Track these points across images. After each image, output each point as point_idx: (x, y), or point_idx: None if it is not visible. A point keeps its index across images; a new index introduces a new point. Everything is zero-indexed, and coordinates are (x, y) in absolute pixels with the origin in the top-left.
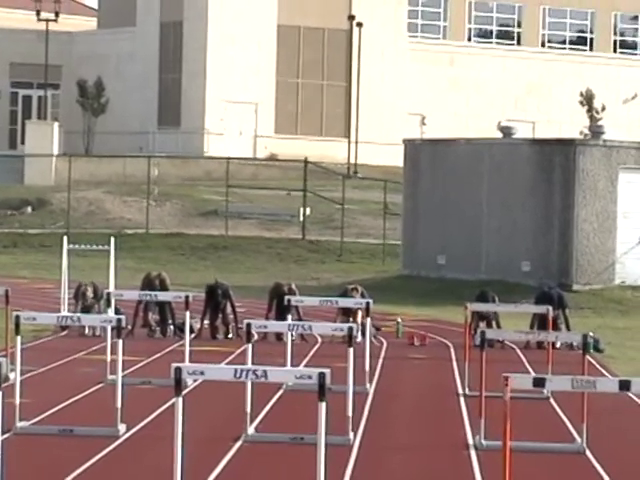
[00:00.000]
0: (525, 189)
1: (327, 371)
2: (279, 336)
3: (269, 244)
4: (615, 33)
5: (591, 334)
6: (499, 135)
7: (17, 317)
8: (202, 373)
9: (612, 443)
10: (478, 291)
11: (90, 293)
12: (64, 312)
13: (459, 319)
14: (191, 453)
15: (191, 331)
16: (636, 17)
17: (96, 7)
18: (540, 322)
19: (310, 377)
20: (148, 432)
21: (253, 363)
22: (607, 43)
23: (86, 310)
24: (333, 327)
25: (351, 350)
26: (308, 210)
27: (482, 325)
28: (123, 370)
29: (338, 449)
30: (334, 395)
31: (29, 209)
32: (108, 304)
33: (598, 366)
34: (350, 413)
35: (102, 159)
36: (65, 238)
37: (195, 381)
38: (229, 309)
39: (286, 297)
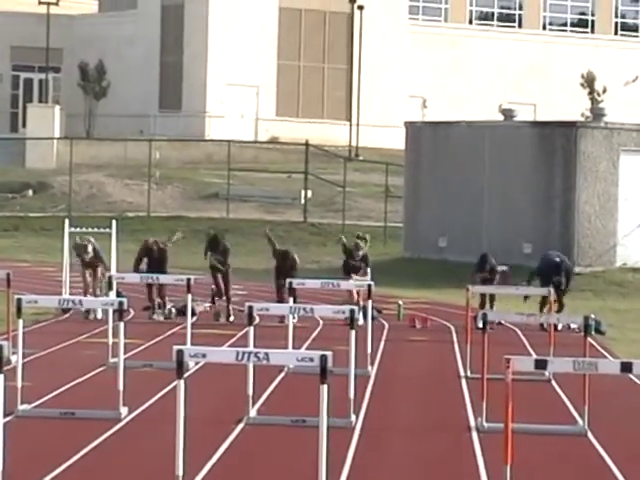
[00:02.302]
0: (526, 171)
1: (329, 354)
2: (282, 319)
3: (270, 227)
4: (616, 15)
5: (592, 316)
6: (500, 117)
7: (19, 300)
8: (204, 356)
9: (614, 425)
10: (478, 257)
11: (90, 249)
12: (66, 295)
13: (461, 301)
14: (193, 435)
15: (192, 314)
16: (637, 1)
17: None
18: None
19: (312, 360)
20: (150, 415)
21: (255, 346)
22: (608, 25)
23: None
24: (335, 309)
25: (353, 332)
26: (309, 193)
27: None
28: (125, 353)
29: (340, 431)
30: (336, 377)
31: (30, 192)
32: (110, 287)
33: (599, 348)
34: (352, 395)
35: (103, 142)
36: (67, 221)
37: (197, 364)
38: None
39: (287, 280)
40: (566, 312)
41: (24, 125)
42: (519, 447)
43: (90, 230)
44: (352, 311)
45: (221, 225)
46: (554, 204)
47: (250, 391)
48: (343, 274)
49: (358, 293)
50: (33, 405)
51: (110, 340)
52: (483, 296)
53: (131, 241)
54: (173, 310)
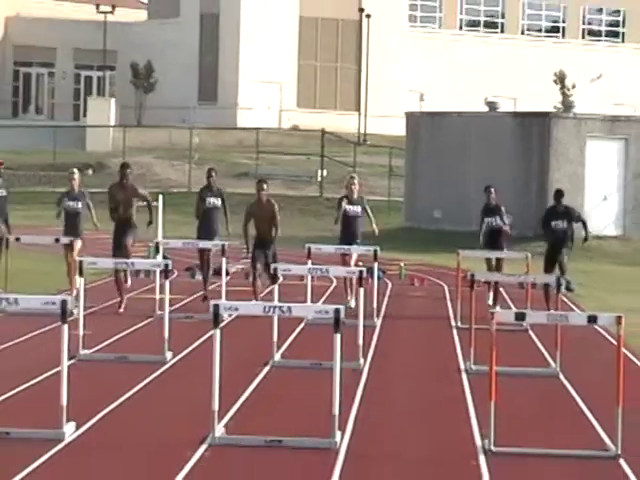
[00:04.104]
0: (507, 155)
1: (341, 307)
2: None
3: (291, 201)
4: (584, 23)
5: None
6: (486, 109)
7: (81, 262)
8: (236, 309)
9: (581, 368)
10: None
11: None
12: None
13: (453, 264)
14: (227, 376)
15: (227, 274)
16: (601, 9)
17: (146, 1)
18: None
19: (327, 312)
20: (190, 358)
21: (279, 301)
22: (576, 31)
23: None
24: (347, 270)
25: (362, 290)
26: (325, 172)
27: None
28: (170, 306)
29: (351, 373)
30: (347, 328)
31: (90, 171)
32: (157, 251)
33: (569, 303)
34: (360, 342)
35: (151, 129)
36: (160, 197)
37: (230, 316)
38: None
39: (306, 245)
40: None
41: (85, 115)
42: (502, 386)
43: (140, 204)
44: (361, 272)
45: (250, 200)
46: (531, 182)
47: (275, 339)
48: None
49: (356, 263)
50: (92, 350)
51: (157, 296)
52: (489, 260)
53: (174, 213)
54: (210, 271)
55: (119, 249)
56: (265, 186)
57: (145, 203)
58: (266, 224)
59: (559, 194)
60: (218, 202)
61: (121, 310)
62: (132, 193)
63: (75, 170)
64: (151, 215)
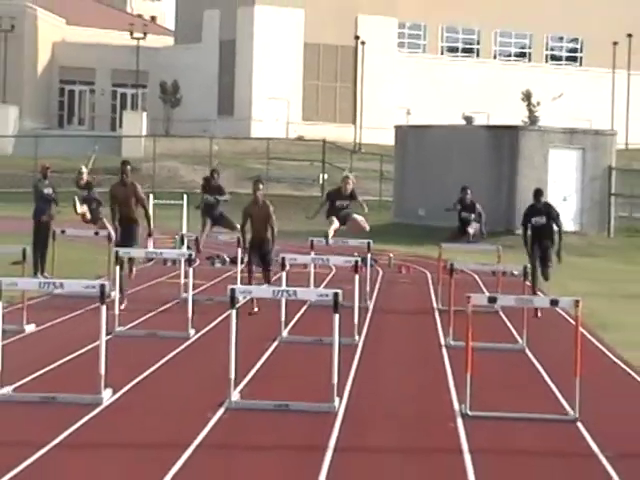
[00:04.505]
0: (481, 162)
1: (339, 291)
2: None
3: (296, 201)
4: (547, 49)
5: (529, 265)
6: (463, 122)
7: (116, 252)
8: (250, 292)
9: (544, 344)
10: (460, 187)
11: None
12: (150, 248)
13: (435, 255)
14: (242, 349)
15: (241, 262)
16: (562, 37)
17: (173, 29)
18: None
19: (327, 295)
20: (211, 335)
21: (286, 286)
22: (541, 56)
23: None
24: (344, 259)
25: (357, 276)
26: (326, 176)
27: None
28: (193, 290)
29: (347, 347)
30: (344, 309)
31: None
32: (182, 242)
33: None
34: (356, 321)
35: (177, 139)
36: (151, 195)
37: (244, 298)
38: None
39: (309, 238)
40: (510, 261)
41: (120, 126)
42: (476, 359)
43: (168, 202)
44: (356, 261)
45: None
46: (502, 186)
47: (283, 318)
48: (326, 202)
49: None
50: (126, 327)
51: (182, 281)
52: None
53: (196, 210)
54: (227, 259)
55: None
56: (261, 186)
57: (142, 209)
58: (262, 224)
59: (539, 193)
60: (214, 198)
61: (122, 307)
62: (132, 191)
63: (83, 167)
64: (150, 224)
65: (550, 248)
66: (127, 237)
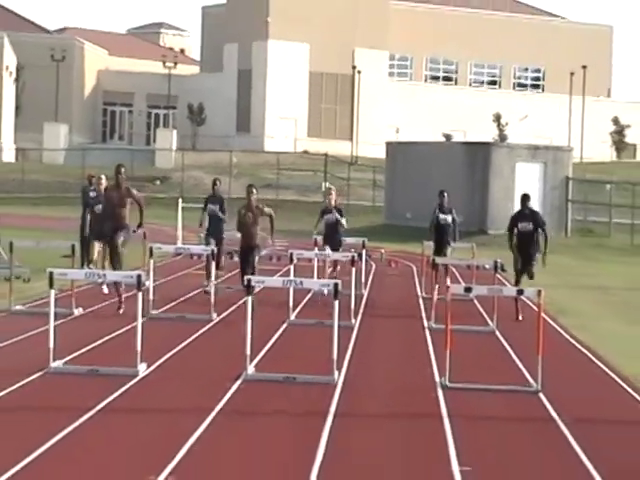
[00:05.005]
0: (458, 173)
1: (339, 281)
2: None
3: (302, 205)
4: (514, 78)
5: (498, 260)
6: (443, 139)
7: (151, 247)
8: (263, 282)
9: (511, 327)
10: (439, 191)
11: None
12: (179, 244)
13: (419, 251)
14: (256, 329)
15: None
16: (527, 68)
17: (199, 59)
18: (525, 261)
19: (329, 285)
20: (230, 317)
21: (294, 276)
22: (509, 83)
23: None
24: (343, 255)
25: (354, 269)
26: (327, 184)
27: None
28: (215, 280)
29: (345, 329)
30: (343, 297)
31: (158, 182)
32: (207, 240)
33: (503, 280)
34: (352, 307)
35: (202, 152)
36: (180, 200)
37: (258, 287)
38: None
39: (313, 237)
40: (482, 257)
41: (154, 141)
42: (454, 339)
43: (194, 205)
44: (353, 256)
45: (272, 203)
46: (475, 193)
47: (291, 303)
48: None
49: (336, 264)
50: (159, 311)
51: (206, 272)
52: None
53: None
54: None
55: (111, 250)
56: (255, 190)
57: (138, 206)
58: (252, 229)
59: (525, 198)
60: (217, 208)
61: (121, 311)
62: (126, 194)
63: (102, 176)
64: (142, 217)
65: (535, 251)
66: (113, 235)
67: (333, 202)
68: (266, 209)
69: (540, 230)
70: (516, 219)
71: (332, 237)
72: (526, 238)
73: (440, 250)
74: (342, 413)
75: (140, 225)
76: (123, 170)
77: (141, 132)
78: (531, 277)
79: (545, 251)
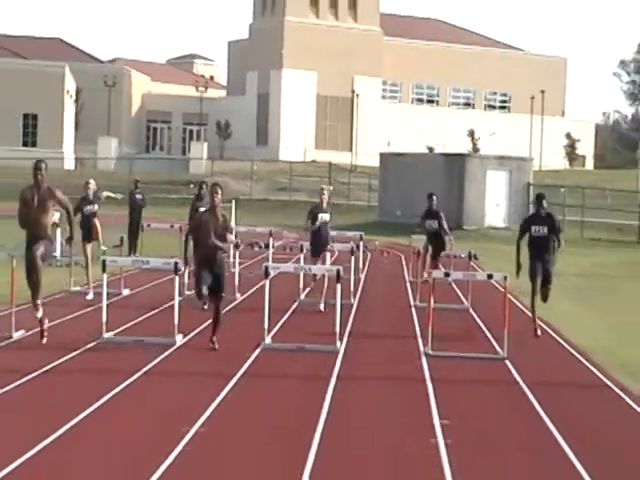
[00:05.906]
0: (439, 179)
1: (341, 267)
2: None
3: (311, 205)
4: (485, 100)
5: (472, 250)
6: (427, 151)
7: (186, 236)
8: (278, 268)
9: (483, 305)
10: (427, 194)
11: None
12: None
13: (407, 243)
14: (272, 307)
15: (273, 247)
16: (495, 92)
17: (225, 84)
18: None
19: (332, 270)
20: (251, 297)
21: (303, 263)
22: (481, 105)
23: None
24: (344, 246)
25: (353, 258)
26: (331, 187)
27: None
28: (239, 266)
29: (346, 306)
30: (344, 280)
31: (192, 185)
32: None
33: (476, 267)
34: (352, 288)
35: (228, 161)
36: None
37: (274, 272)
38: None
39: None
40: (458, 249)
41: (189, 152)
42: (435, 315)
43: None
44: (352, 247)
45: (287, 204)
46: (453, 196)
47: (301, 286)
48: (309, 218)
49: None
50: (192, 292)
51: (231, 260)
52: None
53: (242, 212)
54: (262, 245)
55: (29, 266)
56: (220, 191)
57: (64, 211)
58: (216, 236)
59: (540, 197)
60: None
61: (44, 341)
62: (48, 196)
63: (91, 180)
64: (72, 228)
65: (553, 265)
66: (32, 248)
67: (325, 203)
68: (230, 229)
69: (555, 237)
70: (528, 222)
71: (324, 235)
72: (540, 244)
73: (436, 254)
74: (343, 376)
75: (71, 238)
76: (44, 166)
77: (178, 144)
78: (545, 300)
79: (559, 243)
